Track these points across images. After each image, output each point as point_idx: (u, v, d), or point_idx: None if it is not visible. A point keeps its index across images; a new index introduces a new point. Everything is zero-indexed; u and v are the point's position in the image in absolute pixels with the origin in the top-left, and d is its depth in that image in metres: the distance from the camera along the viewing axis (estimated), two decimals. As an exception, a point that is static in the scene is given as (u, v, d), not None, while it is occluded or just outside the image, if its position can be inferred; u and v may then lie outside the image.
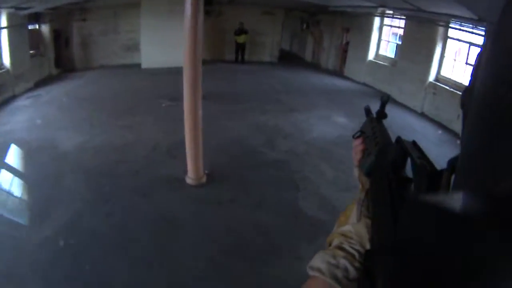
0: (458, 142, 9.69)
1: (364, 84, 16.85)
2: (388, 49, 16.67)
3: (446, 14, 10.74)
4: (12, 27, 12.15)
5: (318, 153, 8.58)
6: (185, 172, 6.89)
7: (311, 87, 15.37)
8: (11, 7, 11.73)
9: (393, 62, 15.58)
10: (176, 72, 15.21)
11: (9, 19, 12.05)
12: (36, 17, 14.55)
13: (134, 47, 18.59)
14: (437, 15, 11.21)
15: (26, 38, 13.59)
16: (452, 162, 0.76)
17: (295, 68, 20.32)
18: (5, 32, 11.99)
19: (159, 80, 14.49)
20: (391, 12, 14.29)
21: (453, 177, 0.73)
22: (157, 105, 11.15)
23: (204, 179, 6.95)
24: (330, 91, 15.04)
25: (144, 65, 17.37)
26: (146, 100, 11.72)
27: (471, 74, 0.72)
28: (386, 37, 16.88)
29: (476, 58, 0.73)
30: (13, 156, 8.17)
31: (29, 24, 13.95)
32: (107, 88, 13.66)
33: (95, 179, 6.93)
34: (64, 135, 8.84)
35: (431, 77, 13.01)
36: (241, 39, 19.66)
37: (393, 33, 16.59)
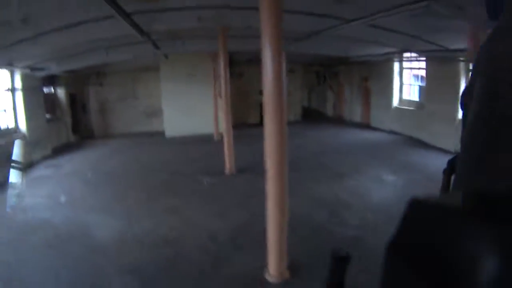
0: None
1: (392, 132, 16.46)
2: (412, 93, 16.36)
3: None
4: (27, 90, 11.87)
5: (389, 222, 7.27)
6: (263, 266, 5.18)
7: (346, 144, 14.27)
8: (26, 67, 11.46)
9: (418, 105, 15.25)
10: (203, 140, 14.98)
11: (24, 80, 11.79)
12: (51, 80, 14.44)
13: (154, 114, 18.45)
14: (459, 51, 10.99)
15: (41, 102, 13.34)
16: (452, 162, 0.91)
17: (320, 124, 19.82)
18: (20, 94, 11.68)
19: (188, 150, 13.56)
20: (410, 55, 14.06)
21: (453, 177, 0.79)
22: (196, 182, 9.44)
23: (287, 273, 5.17)
24: (365, 145, 14.04)
25: (168, 133, 16.81)
26: (182, 175, 10.14)
27: (471, 74, 0.74)
28: (407, 80, 16.61)
29: (476, 58, 0.72)
30: (38, 244, 6.35)
31: (44, 87, 13.79)
32: (135, 160, 12.44)
33: (151, 286, 5.17)
34: (96, 220, 7.25)
35: (460, 114, 12.29)
36: None
37: (414, 75, 16.39)
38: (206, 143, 14.42)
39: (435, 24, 7.93)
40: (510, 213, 0.35)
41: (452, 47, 10.80)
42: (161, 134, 17.03)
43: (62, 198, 8.56)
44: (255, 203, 7.10)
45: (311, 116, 21.84)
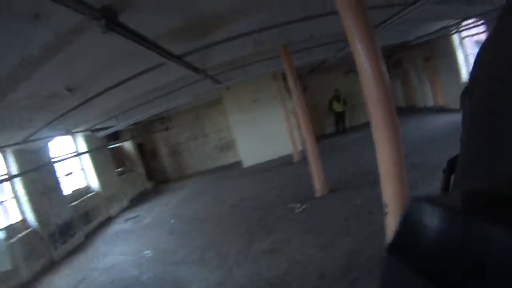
0: None
1: None
2: None
3: None
4: (93, 150, 12.33)
5: None
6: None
7: (430, 134, 12.66)
8: (87, 130, 11.78)
9: None
10: (283, 163, 14.67)
11: (88, 142, 12.29)
12: (116, 135, 14.88)
13: (226, 147, 18.59)
14: None
15: (109, 158, 13.83)
16: (452, 162, 0.87)
17: (400, 118, 18.00)
18: (86, 156, 12.11)
19: (270, 177, 12.74)
20: (469, 22, 13.09)
21: (452, 176, 0.81)
22: (288, 211, 8.50)
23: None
24: (450, 131, 11.99)
25: (246, 163, 16.61)
26: (271, 207, 9.20)
27: (470, 74, 0.73)
28: (470, 50, 15.72)
29: (476, 58, 0.71)
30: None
31: (110, 144, 14.18)
32: (217, 200, 11.64)
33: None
34: (190, 273, 6.58)
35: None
36: (339, 107, 18.35)
37: (475, 42, 15.55)
38: (287, 166, 13.92)
39: None
40: (510, 213, 0.34)
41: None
42: (238, 165, 16.85)
43: (147, 252, 8.14)
44: (357, 225, 6.55)
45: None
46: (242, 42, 7.27)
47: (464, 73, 15.67)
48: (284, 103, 15.12)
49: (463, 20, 12.56)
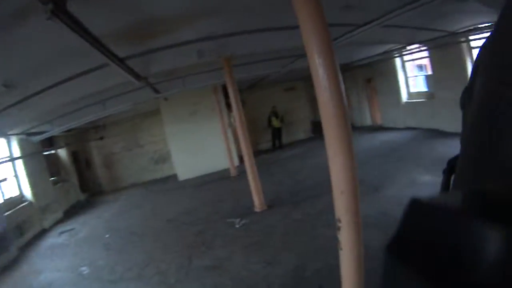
0: None
1: (408, 128, 16.24)
2: (418, 84, 16.27)
3: (474, 29, 10.48)
4: (26, 155, 11.53)
5: None
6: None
7: (366, 152, 13.15)
8: (21, 133, 11.17)
9: (428, 95, 15.10)
10: (220, 178, 14.37)
11: (22, 146, 11.46)
12: (51, 141, 14.19)
13: (162, 159, 18.20)
14: (462, 33, 10.94)
15: (44, 165, 12.97)
16: (452, 162, 0.89)
17: None
18: (20, 162, 11.30)
19: (207, 192, 12.35)
20: (412, 47, 13.64)
21: (452, 177, 0.84)
22: (228, 227, 8.26)
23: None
24: (386, 149, 13.30)
25: (181, 176, 16.20)
26: (210, 221, 8.94)
27: (470, 74, 0.73)
28: (411, 73, 16.53)
29: (476, 58, 0.72)
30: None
31: (44, 150, 13.44)
32: (153, 213, 11.23)
33: None
34: None
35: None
36: (277, 123, 18.50)
37: (416, 66, 16.57)
38: (224, 180, 13.73)
39: (441, 10, 7.67)
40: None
41: (455, 29, 10.62)
42: (174, 178, 16.46)
43: (84, 269, 7.49)
44: (300, 240, 6.52)
45: (321, 129, 20.93)
46: (186, 50, 7.08)
47: (404, 96, 16.37)
48: (222, 117, 15.09)
49: (408, 45, 13.03)
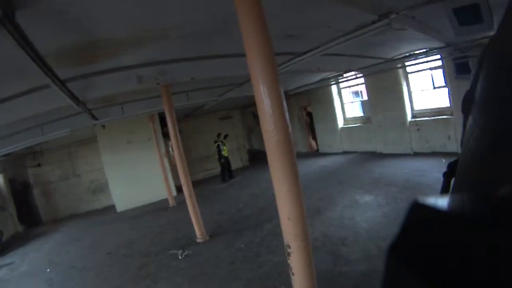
0: (443, 160, 10.87)
1: (345, 152, 16.73)
2: (354, 109, 16.75)
3: (410, 55, 10.97)
4: None
5: None
6: None
7: (308, 177, 13.11)
8: None
9: (364, 119, 15.69)
10: (159, 208, 14.03)
11: None
12: None
13: (99, 189, 17.49)
14: (399, 60, 11.36)
15: None
16: (452, 165, 0.92)
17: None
18: None
19: (147, 224, 11.94)
20: (350, 74, 14.09)
21: (453, 180, 0.82)
22: (171, 259, 8.01)
23: None
24: (325, 173, 13.53)
25: (120, 208, 15.56)
26: (151, 254, 8.64)
27: (472, 80, 0.73)
28: (347, 99, 17.05)
29: (477, 62, 0.72)
30: None
31: None
32: (93, 246, 10.65)
33: None
34: None
35: (409, 117, 13.33)
36: (226, 151, 17.48)
37: (352, 92, 16.87)
38: (163, 211, 13.41)
39: (381, 38, 7.95)
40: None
41: (391, 56, 11.00)
42: (112, 209, 15.84)
43: None
44: (246, 268, 6.47)
45: (257, 158, 21.09)
46: (127, 75, 6.96)
47: (340, 121, 16.83)
48: (159, 146, 14.84)
49: (345, 73, 13.41)
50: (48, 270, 9.10)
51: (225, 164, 17.27)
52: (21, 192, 15.82)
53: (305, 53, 7.40)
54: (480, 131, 0.57)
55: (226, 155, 17.24)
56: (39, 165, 16.78)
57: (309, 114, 19.05)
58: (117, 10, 4.04)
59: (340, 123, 16.99)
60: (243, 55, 6.83)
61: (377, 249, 6.07)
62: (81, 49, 5.12)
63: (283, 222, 3.71)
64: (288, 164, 3.55)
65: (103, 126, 13.93)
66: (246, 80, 9.89)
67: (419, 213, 0.43)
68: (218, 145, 16.90)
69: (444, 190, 0.96)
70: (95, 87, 7.48)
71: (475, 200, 0.40)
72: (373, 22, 5.62)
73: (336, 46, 6.64)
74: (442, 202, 0.42)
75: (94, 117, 10.27)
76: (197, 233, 8.73)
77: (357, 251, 6.18)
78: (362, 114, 15.96)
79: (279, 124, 3.46)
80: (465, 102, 0.77)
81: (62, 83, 5.72)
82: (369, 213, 7.94)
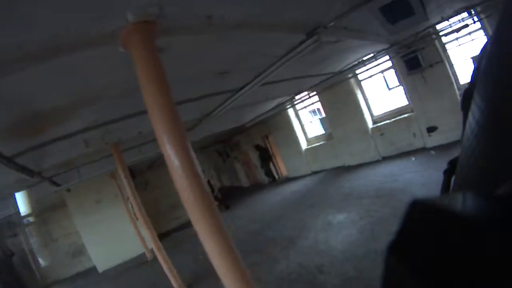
0: (433, 152, 11.09)
1: (314, 173, 16.71)
2: (316, 128, 16.84)
3: (358, 63, 10.95)
4: None
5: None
6: None
7: (279, 205, 13.23)
8: None
9: (326, 136, 15.78)
10: (138, 263, 13.81)
11: None
12: None
13: (79, 252, 17.07)
14: (347, 70, 11.33)
15: None
16: (452, 163, 0.89)
17: (241, 199, 18.62)
18: None
19: (125, 281, 11.88)
20: (302, 95, 14.02)
21: (453, 178, 0.85)
22: None
23: None
24: (296, 198, 13.32)
25: (101, 268, 15.28)
26: None
27: (471, 76, 0.76)
28: (306, 119, 17.17)
29: (477, 61, 0.72)
30: None
31: None
32: None
33: None
34: None
35: (370, 124, 13.42)
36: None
37: (310, 112, 17.14)
38: (142, 266, 13.20)
39: (320, 55, 7.92)
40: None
41: (339, 69, 11.01)
42: (94, 270, 15.52)
43: None
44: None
45: (231, 195, 20.99)
46: (74, 141, 6.88)
47: (304, 143, 16.85)
48: (125, 202, 14.56)
49: (296, 95, 13.33)
50: None
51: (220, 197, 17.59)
52: (4, 263, 15.39)
53: (243, 87, 7.33)
54: (479, 128, 0.57)
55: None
56: (15, 235, 16.53)
57: (272, 142, 19.09)
58: (46, 81, 3.99)
59: (304, 144, 16.99)
60: (184, 101, 6.75)
61: (355, 270, 5.95)
62: (26, 122, 5.04)
63: (222, 278, 3.47)
64: (213, 218, 3.30)
65: (68, 190, 13.84)
66: (195, 124, 9.82)
67: (418, 212, 0.41)
68: (208, 181, 17.10)
69: (444, 189, 0.95)
70: (47, 156, 7.36)
71: (475, 199, 0.39)
72: (301, 43, 5.54)
73: (274, 72, 6.54)
74: (441, 200, 0.41)
75: (55, 184, 10.10)
76: (174, 285, 8.56)
77: (335, 277, 6.03)
78: (323, 132, 16.02)
79: (193, 183, 3.24)
80: (465, 100, 0.78)
81: (9, 160, 5.62)
82: (344, 233, 7.80)
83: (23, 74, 3.38)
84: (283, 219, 10.70)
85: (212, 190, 17.40)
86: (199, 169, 3.27)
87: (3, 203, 10.07)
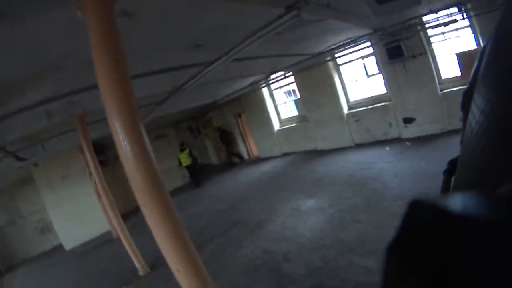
0: (408, 143, 11.08)
1: (285, 154, 16.59)
2: (289, 110, 16.69)
3: (338, 46, 10.77)
4: None
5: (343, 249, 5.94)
6: None
7: (249, 186, 13.01)
8: None
9: (300, 118, 15.62)
10: (104, 241, 13.47)
11: None
12: None
13: (47, 229, 16.60)
14: (326, 53, 11.21)
15: None
16: (453, 163, 0.89)
17: (211, 177, 18.44)
18: None
19: (94, 260, 11.46)
20: (278, 74, 13.82)
21: (453, 178, 0.85)
22: None
23: None
24: (268, 179, 13.03)
25: (67, 246, 14.94)
26: None
27: (472, 75, 0.74)
28: (280, 100, 16.92)
29: (477, 60, 0.72)
30: None
31: None
32: None
33: None
34: None
35: (346, 109, 13.30)
36: (186, 160, 16.82)
37: (285, 92, 16.74)
38: (108, 244, 12.88)
39: (300, 35, 7.69)
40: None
41: (318, 50, 10.79)
42: (61, 248, 15.13)
43: None
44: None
45: (201, 173, 20.25)
46: (36, 113, 6.58)
47: (276, 124, 16.64)
48: (91, 179, 13.98)
49: (271, 74, 13.10)
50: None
51: (191, 172, 17.31)
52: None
53: (215, 61, 7.04)
54: (480, 128, 0.55)
55: (185, 164, 16.89)
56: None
57: (245, 121, 18.83)
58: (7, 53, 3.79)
59: (276, 125, 16.88)
60: (154, 72, 6.38)
61: (321, 260, 5.74)
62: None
63: (175, 274, 3.29)
64: (163, 204, 3.09)
65: (36, 164, 13.36)
66: (166, 97, 9.41)
67: (418, 212, 0.39)
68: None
69: (445, 188, 0.93)
70: (10, 130, 7.11)
71: (475, 199, 0.37)
72: (280, 17, 5.24)
73: (248, 47, 6.24)
74: (441, 200, 0.38)
75: (19, 158, 9.79)
76: (137, 265, 8.30)
77: (301, 266, 5.82)
78: (297, 113, 15.85)
79: (142, 166, 3.02)
80: (465, 99, 0.77)
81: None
82: (312, 219, 7.61)
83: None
84: (251, 201, 10.54)
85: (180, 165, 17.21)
86: (150, 152, 3.01)
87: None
